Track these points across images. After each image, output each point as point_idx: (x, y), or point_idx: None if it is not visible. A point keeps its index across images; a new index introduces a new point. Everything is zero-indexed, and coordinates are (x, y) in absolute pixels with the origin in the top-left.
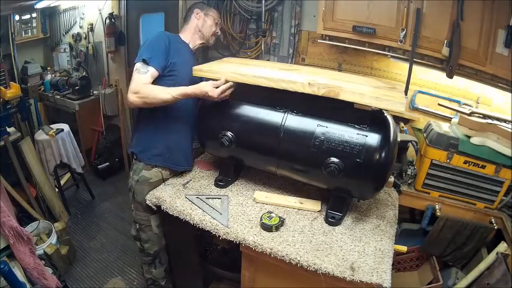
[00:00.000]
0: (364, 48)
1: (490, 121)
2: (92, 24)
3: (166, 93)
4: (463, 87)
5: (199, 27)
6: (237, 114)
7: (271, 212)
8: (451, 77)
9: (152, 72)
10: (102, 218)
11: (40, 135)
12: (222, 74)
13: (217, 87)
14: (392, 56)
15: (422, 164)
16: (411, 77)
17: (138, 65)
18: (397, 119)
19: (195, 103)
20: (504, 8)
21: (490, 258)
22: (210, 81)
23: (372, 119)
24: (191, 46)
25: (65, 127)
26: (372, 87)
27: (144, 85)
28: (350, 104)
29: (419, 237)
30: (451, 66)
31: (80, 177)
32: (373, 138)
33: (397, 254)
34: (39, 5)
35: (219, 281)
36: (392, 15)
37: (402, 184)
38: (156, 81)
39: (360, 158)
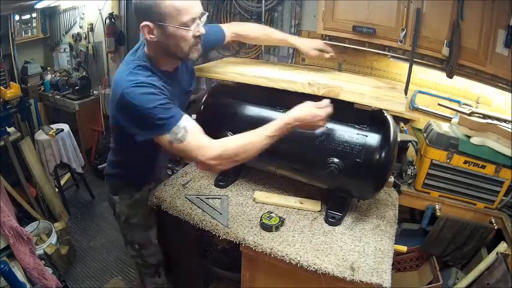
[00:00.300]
0: (364, 48)
1: (490, 121)
2: (92, 24)
3: (261, 138)
4: (463, 87)
5: (162, 45)
6: (237, 114)
7: (271, 212)
8: (451, 77)
9: (189, 120)
10: (102, 218)
11: (40, 135)
12: (222, 74)
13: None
14: (392, 56)
15: (422, 164)
16: (411, 77)
17: (171, 135)
18: (397, 119)
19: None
20: (504, 8)
21: (490, 258)
22: (310, 103)
23: (372, 119)
24: (170, 70)
25: (65, 127)
26: (372, 87)
27: (217, 143)
28: (350, 104)
29: (419, 237)
30: (451, 66)
31: (80, 177)
32: (373, 138)
33: (397, 254)
34: (39, 5)
35: (219, 281)
36: (392, 15)
37: (402, 184)
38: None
39: (360, 158)
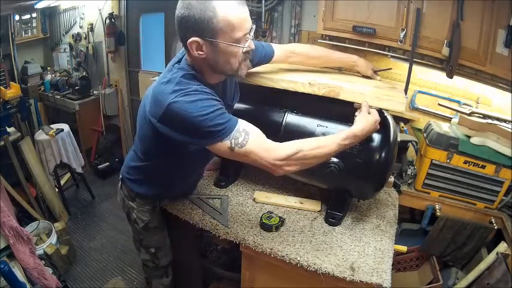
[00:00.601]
0: (364, 48)
1: (490, 121)
2: (92, 24)
3: (331, 144)
4: (463, 87)
5: (210, 62)
6: (236, 114)
7: (271, 212)
8: (451, 77)
9: (247, 123)
10: (102, 218)
11: (40, 135)
12: None
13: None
14: (392, 56)
15: (422, 164)
16: (411, 77)
17: (232, 140)
18: (397, 119)
19: None
20: (504, 8)
21: (490, 258)
22: (363, 111)
23: None
24: (215, 83)
25: (65, 127)
26: (372, 87)
27: (286, 145)
28: (350, 104)
29: (419, 237)
30: (451, 66)
31: (80, 177)
32: (373, 138)
33: (397, 254)
34: (39, 5)
35: (219, 281)
36: (392, 15)
37: (402, 184)
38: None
39: (360, 158)
